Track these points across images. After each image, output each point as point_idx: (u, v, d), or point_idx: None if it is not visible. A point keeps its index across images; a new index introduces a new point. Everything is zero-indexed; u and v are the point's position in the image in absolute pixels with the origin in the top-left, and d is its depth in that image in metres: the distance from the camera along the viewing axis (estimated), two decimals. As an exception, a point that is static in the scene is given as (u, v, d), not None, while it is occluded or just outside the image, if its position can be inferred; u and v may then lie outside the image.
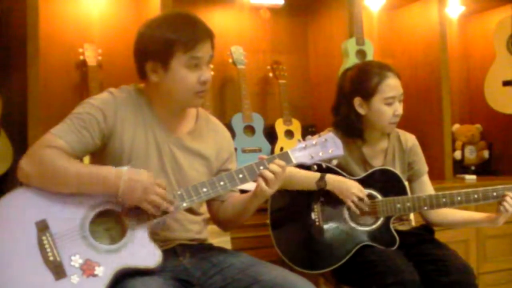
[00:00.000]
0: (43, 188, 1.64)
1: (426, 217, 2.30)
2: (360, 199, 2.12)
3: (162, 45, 1.70)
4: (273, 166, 1.72)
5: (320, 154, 1.77)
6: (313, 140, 1.78)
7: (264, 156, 1.76)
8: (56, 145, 1.65)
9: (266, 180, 1.71)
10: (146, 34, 1.75)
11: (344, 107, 2.24)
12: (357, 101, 2.20)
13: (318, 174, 2.13)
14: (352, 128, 2.23)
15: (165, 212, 1.65)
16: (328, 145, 1.77)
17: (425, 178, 2.32)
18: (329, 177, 2.14)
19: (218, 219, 1.95)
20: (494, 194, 2.10)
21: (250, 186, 1.81)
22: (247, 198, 1.84)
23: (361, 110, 2.20)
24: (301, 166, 1.81)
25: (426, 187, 2.31)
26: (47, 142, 1.66)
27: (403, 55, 3.66)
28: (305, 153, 1.77)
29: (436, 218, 2.28)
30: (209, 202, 1.94)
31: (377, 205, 2.17)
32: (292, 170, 2.12)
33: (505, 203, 2.09)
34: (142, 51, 1.76)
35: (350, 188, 2.12)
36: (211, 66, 1.79)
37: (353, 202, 2.12)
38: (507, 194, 2.10)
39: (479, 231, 3.21)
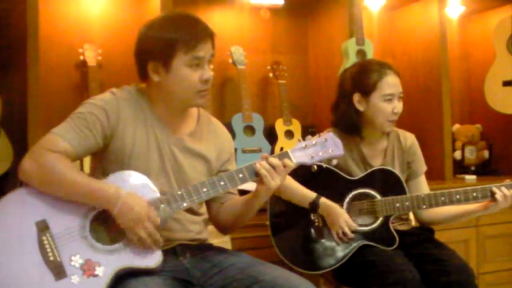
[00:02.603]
0: (42, 191, 1.64)
1: (419, 218, 2.30)
2: (344, 234, 2.12)
3: (163, 45, 1.70)
4: (271, 159, 1.72)
5: (320, 153, 1.76)
6: (313, 140, 1.78)
7: (266, 155, 1.75)
8: (59, 148, 1.65)
9: (267, 170, 1.70)
10: (147, 35, 1.75)
11: (344, 104, 2.24)
12: (356, 97, 2.21)
13: (313, 196, 2.14)
14: (350, 125, 2.23)
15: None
16: (328, 145, 1.77)
17: (422, 178, 2.33)
18: (323, 202, 2.14)
19: (218, 222, 1.95)
20: (493, 192, 2.10)
21: (250, 186, 1.81)
22: (248, 199, 1.83)
23: (360, 107, 2.21)
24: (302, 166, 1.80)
25: (422, 187, 2.30)
26: (50, 144, 1.66)
27: (403, 55, 3.66)
28: (305, 153, 1.76)
29: (428, 217, 2.28)
30: (209, 205, 1.93)
31: (376, 205, 2.17)
32: (292, 184, 2.13)
33: (497, 196, 2.08)
34: (143, 52, 1.76)
35: (337, 219, 2.12)
36: (211, 66, 1.79)
37: (337, 233, 2.13)
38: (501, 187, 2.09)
39: (479, 231, 3.21)
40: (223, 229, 1.98)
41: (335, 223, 2.12)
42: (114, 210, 1.61)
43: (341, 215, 2.13)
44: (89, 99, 1.78)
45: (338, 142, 1.78)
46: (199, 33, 1.72)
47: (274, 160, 1.72)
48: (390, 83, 2.18)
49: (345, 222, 2.11)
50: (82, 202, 1.64)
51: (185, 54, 1.70)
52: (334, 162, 1.80)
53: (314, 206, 2.14)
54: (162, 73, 1.73)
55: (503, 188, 2.08)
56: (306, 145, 1.77)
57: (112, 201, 1.61)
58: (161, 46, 1.71)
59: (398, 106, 2.20)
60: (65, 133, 1.68)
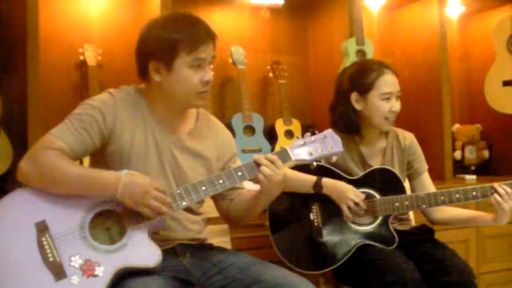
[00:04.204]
0: (42, 189, 1.64)
1: (428, 217, 2.30)
2: (356, 204, 2.11)
3: (166, 45, 1.70)
4: (269, 155, 1.72)
5: (319, 151, 1.76)
6: (312, 137, 1.77)
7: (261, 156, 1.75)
8: (56, 147, 1.65)
9: (267, 166, 1.70)
10: (150, 34, 1.75)
11: (342, 104, 2.25)
12: (354, 96, 2.21)
13: (314, 178, 2.13)
14: (349, 125, 2.23)
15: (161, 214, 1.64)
16: (327, 142, 1.77)
17: (426, 176, 2.32)
18: (325, 181, 2.14)
19: (228, 217, 1.96)
20: (492, 191, 2.09)
21: (255, 186, 1.81)
22: (255, 196, 1.83)
23: (358, 106, 2.21)
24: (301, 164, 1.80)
25: (427, 185, 2.31)
26: (47, 144, 1.66)
27: (403, 55, 3.66)
28: (304, 150, 1.76)
29: (438, 216, 2.28)
30: (218, 202, 1.94)
31: (375, 204, 2.17)
32: (289, 172, 2.12)
33: (495, 195, 2.07)
34: (145, 51, 1.76)
35: (346, 192, 2.11)
36: (211, 66, 1.79)
37: (349, 207, 2.12)
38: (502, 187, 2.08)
39: (479, 231, 3.21)
40: (235, 223, 1.99)
41: (344, 197, 2.11)
42: (118, 192, 1.61)
43: (347, 188, 2.12)
44: (87, 100, 1.78)
45: (337, 139, 1.78)
46: (201, 34, 1.73)
47: (272, 156, 1.72)
48: (388, 82, 2.19)
49: (355, 195, 2.11)
50: (84, 194, 1.64)
51: (188, 55, 1.71)
52: (334, 159, 1.80)
53: (317, 187, 2.13)
54: (164, 73, 1.73)
55: (505, 186, 2.07)
56: (305, 142, 1.76)
57: (113, 185, 1.61)
58: (163, 46, 1.71)
59: (396, 105, 2.20)
60: (62, 135, 1.68)
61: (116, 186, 1.61)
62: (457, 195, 2.11)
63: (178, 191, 1.69)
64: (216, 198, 1.93)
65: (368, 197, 2.19)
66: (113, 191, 1.61)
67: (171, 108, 1.81)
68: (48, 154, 1.64)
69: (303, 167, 2.14)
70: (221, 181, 1.71)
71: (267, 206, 1.87)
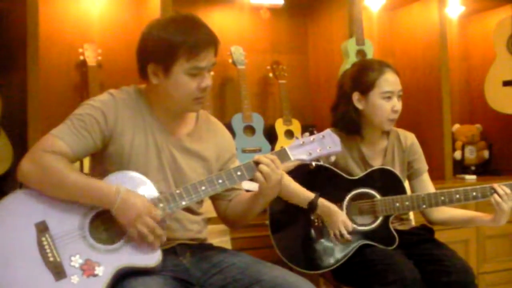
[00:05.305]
0: (42, 192, 1.64)
1: (427, 217, 2.30)
2: (341, 235, 2.11)
3: (165, 49, 1.69)
4: (269, 155, 1.72)
5: (318, 150, 1.76)
6: (310, 137, 1.77)
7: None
8: (57, 150, 1.65)
9: (266, 165, 1.70)
10: (151, 36, 1.74)
11: (343, 104, 2.25)
12: (355, 95, 2.21)
13: (312, 196, 2.13)
14: (350, 124, 2.23)
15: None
16: (325, 142, 1.77)
17: (426, 177, 2.33)
18: (321, 202, 2.13)
19: (226, 218, 1.95)
20: (492, 191, 2.10)
21: (254, 186, 1.81)
22: (253, 196, 1.83)
23: (359, 105, 2.21)
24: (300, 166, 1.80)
25: (427, 185, 2.31)
26: (48, 145, 1.66)
27: (403, 55, 3.66)
28: (302, 150, 1.76)
29: (437, 217, 2.28)
30: (216, 202, 1.94)
31: (376, 205, 2.17)
32: (290, 183, 2.13)
33: (495, 195, 2.08)
34: (145, 53, 1.75)
35: (336, 220, 2.11)
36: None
37: (334, 234, 2.12)
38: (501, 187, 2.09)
39: (479, 231, 3.21)
40: (232, 224, 1.99)
41: (333, 223, 2.12)
42: (114, 207, 1.61)
43: (338, 216, 2.12)
44: (88, 101, 1.78)
45: (336, 138, 1.78)
46: (202, 40, 1.71)
47: (271, 155, 1.72)
48: (389, 81, 2.19)
49: (342, 223, 2.11)
50: (82, 202, 1.64)
51: (187, 62, 1.69)
52: (332, 159, 1.80)
53: (312, 206, 2.14)
54: (161, 77, 1.72)
55: (504, 187, 2.08)
56: (303, 142, 1.76)
57: (111, 199, 1.61)
58: (163, 49, 1.69)
59: (397, 104, 2.20)
60: (63, 135, 1.68)
61: (114, 199, 1.61)
62: (457, 195, 2.11)
63: (178, 191, 1.69)
64: (214, 199, 1.93)
65: (369, 197, 2.19)
66: (110, 203, 1.61)
67: (169, 110, 1.81)
68: (48, 158, 1.63)
69: (303, 166, 2.14)
70: (220, 181, 1.71)
71: (264, 208, 1.87)
